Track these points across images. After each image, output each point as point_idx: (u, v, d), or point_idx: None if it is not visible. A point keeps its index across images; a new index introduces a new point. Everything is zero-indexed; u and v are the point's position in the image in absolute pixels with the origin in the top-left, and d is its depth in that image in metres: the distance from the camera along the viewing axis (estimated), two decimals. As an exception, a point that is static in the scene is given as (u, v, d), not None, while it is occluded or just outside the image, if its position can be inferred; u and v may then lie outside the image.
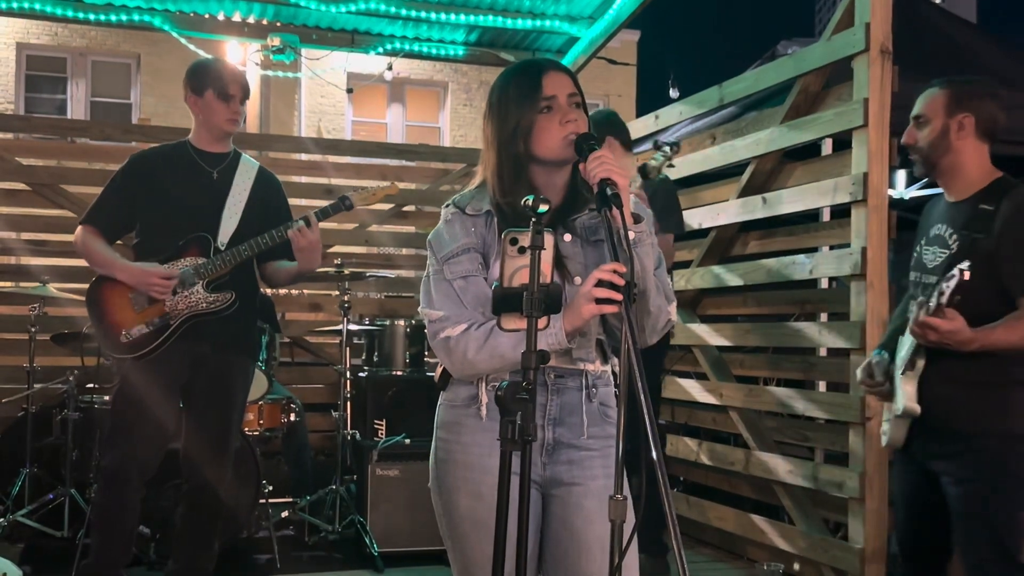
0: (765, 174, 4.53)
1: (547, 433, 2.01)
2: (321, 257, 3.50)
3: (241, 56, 9.00)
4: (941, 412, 2.65)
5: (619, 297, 1.74)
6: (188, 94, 3.53)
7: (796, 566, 4.12)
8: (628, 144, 4.19)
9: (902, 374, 2.69)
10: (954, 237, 2.68)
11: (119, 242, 3.65)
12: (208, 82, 3.48)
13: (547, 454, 2.02)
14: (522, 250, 1.71)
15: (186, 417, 3.49)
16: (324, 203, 6.47)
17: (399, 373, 5.14)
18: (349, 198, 3.58)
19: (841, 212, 4.18)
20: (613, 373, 2.09)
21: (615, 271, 1.75)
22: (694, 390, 4.95)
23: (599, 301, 1.77)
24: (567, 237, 2.01)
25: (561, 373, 2.01)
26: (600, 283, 1.77)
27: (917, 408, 2.67)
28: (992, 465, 2.60)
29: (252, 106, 9.81)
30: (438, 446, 2.09)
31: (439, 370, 2.13)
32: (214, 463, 3.51)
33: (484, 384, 2.02)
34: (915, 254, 2.82)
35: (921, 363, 2.67)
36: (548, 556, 2.04)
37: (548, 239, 1.70)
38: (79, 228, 3.53)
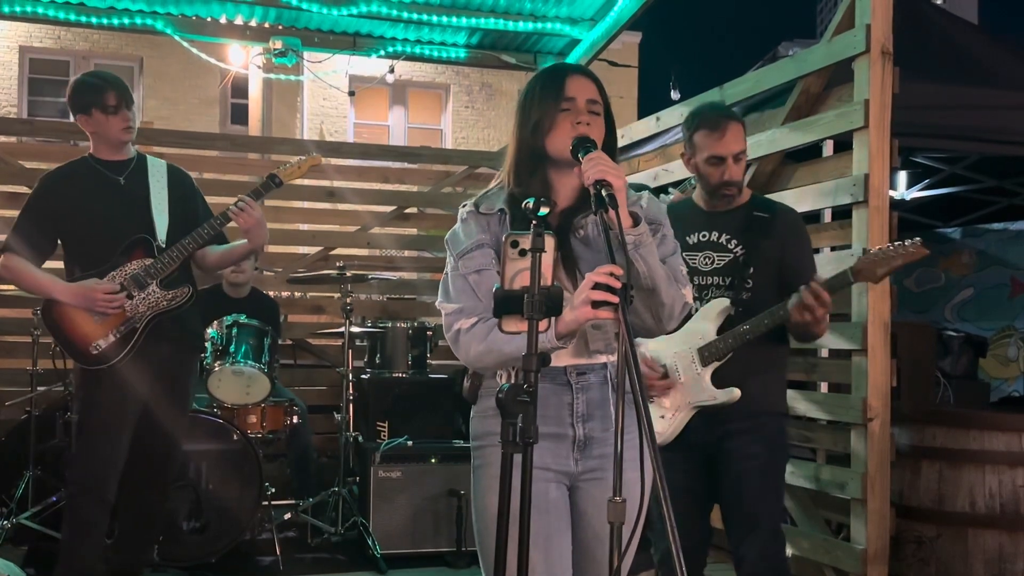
0: (766, 175, 4.53)
1: (578, 430, 2.06)
2: (267, 232, 3.56)
3: (243, 59, 9.01)
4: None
5: (615, 300, 1.75)
6: (75, 115, 3.51)
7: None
8: None
9: (704, 366, 2.92)
10: (733, 242, 2.96)
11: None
12: (89, 100, 3.44)
13: (579, 450, 2.07)
14: (523, 252, 1.72)
15: (143, 418, 3.48)
16: (326, 205, 6.54)
17: (401, 375, 5.15)
18: (277, 175, 3.61)
19: (842, 213, 4.18)
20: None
21: (611, 273, 1.76)
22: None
23: (595, 305, 1.78)
24: (581, 232, 2.07)
25: (583, 370, 2.06)
26: (597, 286, 1.78)
27: (737, 392, 2.90)
28: (771, 441, 2.95)
29: (254, 109, 9.80)
30: (474, 455, 2.14)
31: (466, 384, 2.17)
32: (166, 463, 3.58)
33: None
34: None
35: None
36: (574, 547, 2.09)
37: (549, 241, 1.72)
38: (3, 257, 3.49)
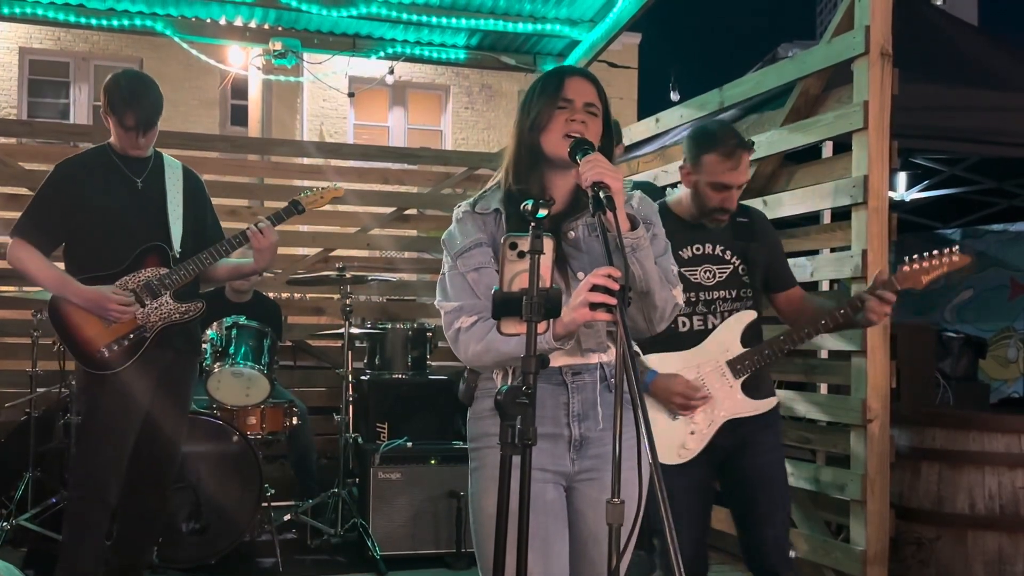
0: (766, 177, 4.54)
1: (574, 430, 2.07)
2: (275, 257, 3.58)
3: (243, 61, 9.01)
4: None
5: (613, 301, 1.75)
6: (103, 106, 3.45)
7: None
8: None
9: (736, 378, 2.91)
10: (728, 252, 2.96)
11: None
12: (111, 105, 3.38)
13: (575, 450, 2.07)
14: (522, 255, 1.72)
15: (145, 422, 3.46)
16: (328, 207, 6.51)
17: (401, 376, 5.15)
18: (300, 202, 3.64)
19: (842, 214, 4.18)
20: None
21: (610, 275, 1.76)
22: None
23: (593, 306, 1.78)
24: (571, 235, 2.07)
25: (578, 370, 2.06)
26: (595, 288, 1.78)
27: (776, 399, 2.99)
28: (779, 432, 3.09)
29: (254, 110, 9.81)
30: (472, 458, 2.14)
31: (461, 386, 2.18)
32: (166, 466, 3.56)
33: None
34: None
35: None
36: (571, 549, 2.10)
37: (548, 243, 1.72)
38: (12, 242, 3.40)
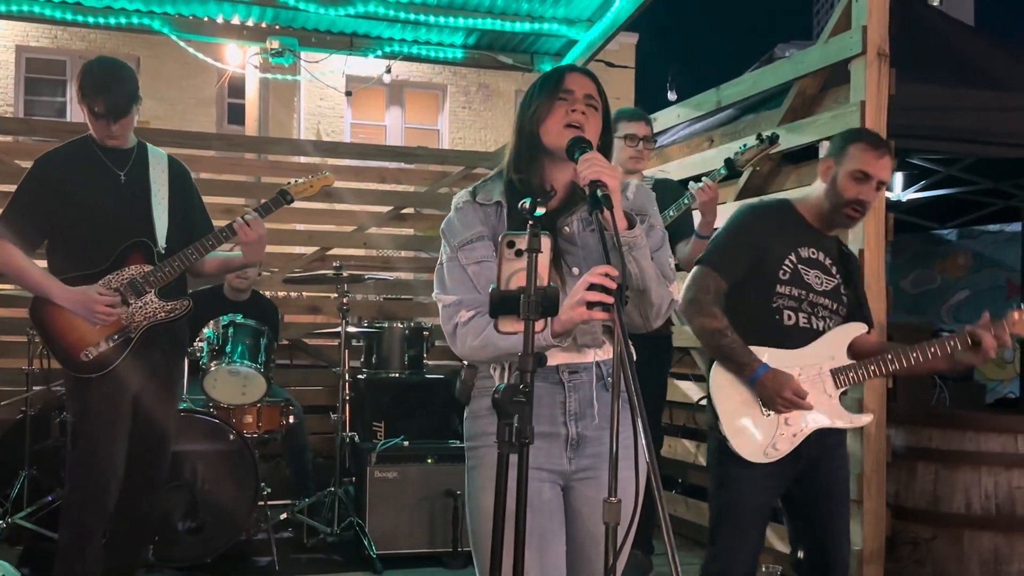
0: (763, 177, 4.54)
1: (571, 429, 2.07)
2: (264, 251, 3.47)
3: (240, 59, 9.01)
4: None
5: (611, 300, 1.75)
6: (76, 92, 3.36)
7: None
8: None
9: (837, 388, 2.85)
10: (834, 268, 2.92)
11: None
12: (83, 92, 3.28)
13: (572, 449, 2.07)
14: (519, 253, 1.72)
15: (134, 422, 3.39)
16: (323, 205, 6.54)
17: (398, 375, 5.15)
18: (289, 192, 3.54)
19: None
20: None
21: (607, 274, 1.76)
22: (692, 392, 4.95)
23: (590, 305, 1.78)
24: (566, 230, 2.07)
25: (575, 369, 2.06)
26: (592, 286, 1.78)
27: (872, 415, 3.00)
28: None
29: (251, 109, 9.80)
30: (469, 456, 2.14)
31: (458, 384, 2.18)
32: (157, 466, 3.51)
33: None
34: (786, 269, 2.85)
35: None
36: (568, 548, 2.09)
37: (545, 242, 1.72)
38: None
